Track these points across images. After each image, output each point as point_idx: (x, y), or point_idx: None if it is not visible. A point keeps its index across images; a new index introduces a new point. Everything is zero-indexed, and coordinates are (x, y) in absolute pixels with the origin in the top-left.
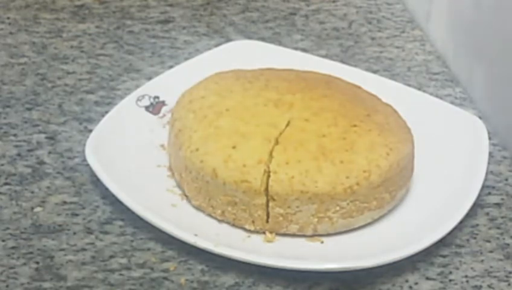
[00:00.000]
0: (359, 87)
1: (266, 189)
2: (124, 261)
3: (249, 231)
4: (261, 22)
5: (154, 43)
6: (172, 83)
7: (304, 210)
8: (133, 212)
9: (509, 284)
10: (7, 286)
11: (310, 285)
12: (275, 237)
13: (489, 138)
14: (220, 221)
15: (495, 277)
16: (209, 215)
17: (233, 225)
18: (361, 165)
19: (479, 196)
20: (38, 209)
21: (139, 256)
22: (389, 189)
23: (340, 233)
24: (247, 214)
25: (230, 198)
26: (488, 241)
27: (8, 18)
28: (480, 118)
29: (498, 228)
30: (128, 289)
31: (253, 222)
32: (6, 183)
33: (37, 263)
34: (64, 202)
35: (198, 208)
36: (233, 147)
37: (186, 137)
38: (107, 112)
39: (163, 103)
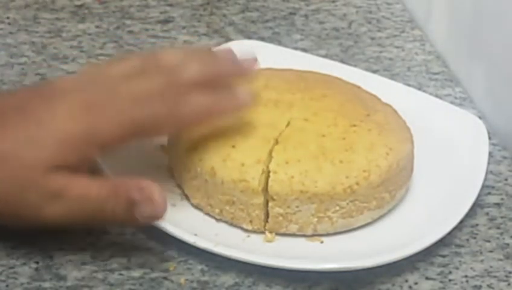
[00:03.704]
0: (359, 87)
1: (264, 189)
2: (124, 261)
3: (249, 230)
4: (260, 22)
5: (154, 43)
6: None
7: (304, 210)
8: None
9: (509, 284)
10: (7, 286)
11: (310, 285)
12: (274, 237)
13: (489, 138)
14: (218, 220)
15: (495, 276)
16: (208, 215)
17: (232, 225)
18: (361, 165)
19: (479, 195)
20: None
21: (139, 256)
22: (389, 189)
23: (340, 233)
24: (245, 214)
25: (229, 197)
26: (488, 241)
27: (8, 18)
28: (480, 118)
29: (498, 227)
30: (128, 288)
31: (250, 221)
32: None
33: (37, 262)
34: None
35: (197, 207)
36: (233, 146)
37: (186, 136)
38: None
39: None
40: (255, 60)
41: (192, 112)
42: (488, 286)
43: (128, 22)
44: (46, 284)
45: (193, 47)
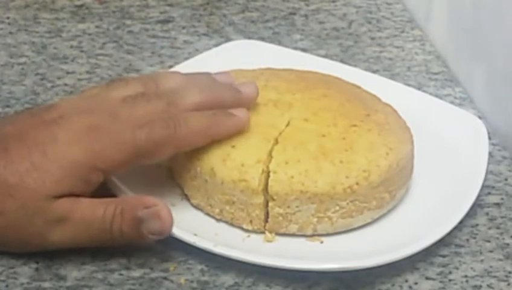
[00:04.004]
0: (359, 87)
1: (264, 189)
2: (123, 261)
3: (249, 230)
4: (260, 22)
5: (153, 43)
6: None
7: (304, 210)
8: None
9: (508, 284)
10: (7, 286)
11: (310, 285)
12: (274, 237)
13: (489, 138)
14: (218, 220)
15: (495, 276)
16: (208, 215)
17: (232, 225)
18: (361, 165)
19: (479, 195)
20: None
21: (139, 256)
22: (389, 189)
23: (339, 233)
24: (245, 214)
25: (228, 197)
26: (488, 241)
27: (8, 18)
28: (480, 118)
29: (498, 227)
30: (128, 288)
31: (250, 221)
32: None
33: (37, 262)
34: None
35: (197, 207)
36: (233, 146)
37: None
38: None
39: None
40: (254, 86)
41: (191, 133)
42: (488, 286)
43: (128, 22)
44: (46, 284)
45: (192, 73)
